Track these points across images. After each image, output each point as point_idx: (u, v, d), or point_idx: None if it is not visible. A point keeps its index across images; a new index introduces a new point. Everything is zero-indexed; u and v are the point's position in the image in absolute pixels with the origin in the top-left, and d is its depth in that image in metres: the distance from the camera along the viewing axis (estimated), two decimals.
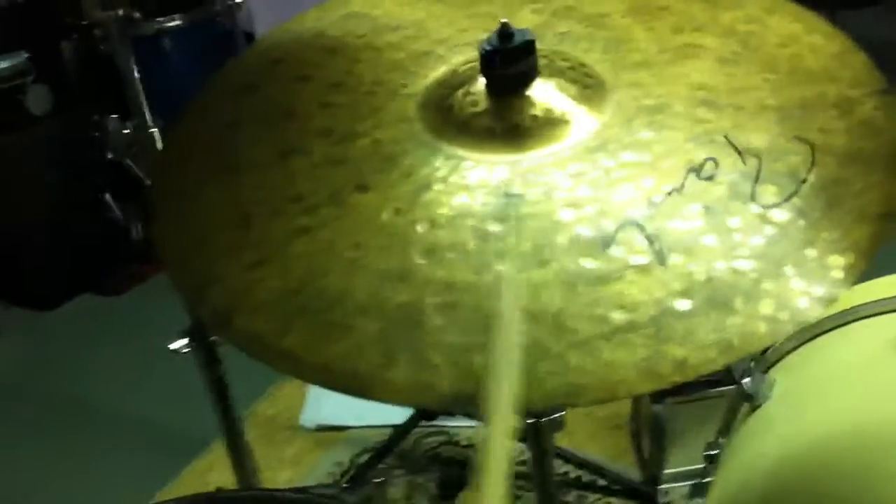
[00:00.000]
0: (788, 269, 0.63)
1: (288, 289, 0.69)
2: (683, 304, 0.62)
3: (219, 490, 0.84)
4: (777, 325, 0.61)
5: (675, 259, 0.64)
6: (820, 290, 0.62)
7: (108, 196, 0.96)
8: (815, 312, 0.62)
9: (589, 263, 0.65)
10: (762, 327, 0.61)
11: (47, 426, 1.92)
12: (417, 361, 0.62)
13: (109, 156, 1.06)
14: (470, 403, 0.61)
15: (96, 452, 1.81)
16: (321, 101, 0.84)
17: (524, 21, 0.84)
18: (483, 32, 0.83)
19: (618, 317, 0.62)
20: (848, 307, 0.89)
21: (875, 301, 0.89)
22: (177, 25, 2.02)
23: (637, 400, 1.50)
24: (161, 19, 2.00)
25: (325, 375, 0.64)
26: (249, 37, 2.23)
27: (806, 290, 0.62)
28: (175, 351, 1.00)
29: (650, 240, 0.65)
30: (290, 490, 0.85)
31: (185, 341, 1.02)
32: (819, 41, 0.83)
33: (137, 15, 1.04)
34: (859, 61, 0.80)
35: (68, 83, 2.28)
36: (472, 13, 0.90)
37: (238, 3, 2.05)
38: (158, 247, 0.76)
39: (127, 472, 1.74)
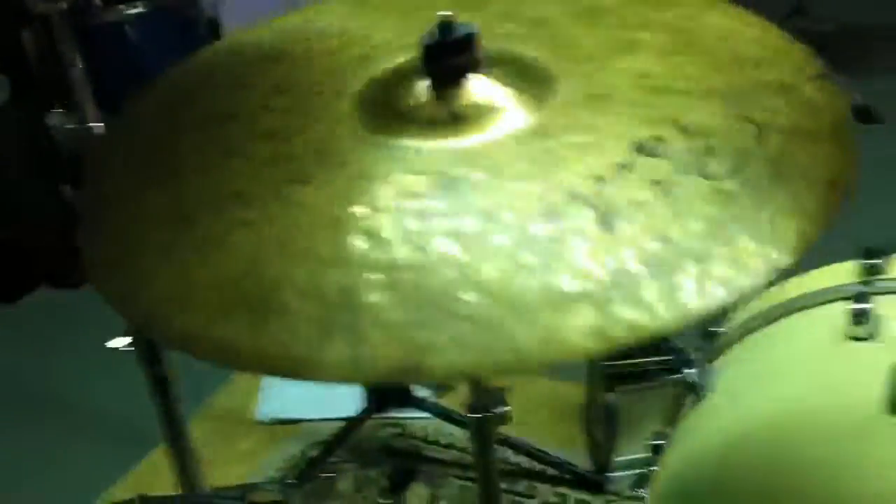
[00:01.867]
0: (741, 233, 0.62)
1: (225, 279, 0.66)
2: (635, 269, 0.60)
3: (140, 497, 0.78)
4: (731, 288, 0.59)
5: (624, 228, 0.62)
6: (773, 252, 0.61)
7: (66, 188, 0.93)
8: (770, 275, 0.60)
9: (538, 233, 0.62)
10: (717, 289, 0.59)
11: (1, 420, 1.86)
12: (355, 339, 0.59)
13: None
14: (409, 376, 0.58)
15: (53, 446, 1.77)
16: (262, 105, 0.82)
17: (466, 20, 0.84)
18: (418, 35, 0.82)
19: (569, 284, 0.60)
20: (789, 298, 0.88)
21: (815, 292, 0.89)
22: (139, 12, 1.99)
23: (590, 389, 1.50)
24: (122, 6, 1.98)
25: (261, 361, 0.61)
26: (214, 24, 2.21)
27: (759, 252, 0.61)
28: (114, 349, 0.96)
29: (597, 211, 0.63)
30: (227, 490, 0.80)
31: (126, 339, 0.97)
32: (756, 34, 0.83)
33: (98, 2, 1.01)
34: (797, 51, 0.81)
35: (28, 73, 2.23)
36: (412, 20, 0.89)
37: None
38: (84, 253, 0.73)
39: (83, 465, 1.70)
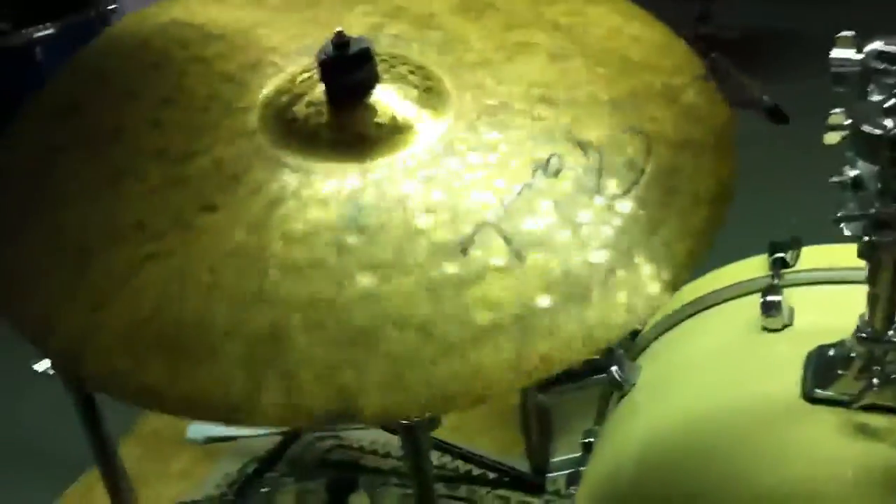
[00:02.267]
0: (638, 258, 0.66)
1: (139, 320, 0.66)
2: (544, 301, 0.64)
3: None
4: (632, 313, 0.64)
5: (533, 256, 0.66)
6: (667, 274, 0.65)
7: None
8: (666, 297, 0.65)
9: (451, 268, 0.65)
10: (620, 316, 0.63)
11: None
12: (286, 382, 0.61)
13: None
14: (342, 419, 0.60)
15: None
16: (151, 120, 0.80)
17: (355, 24, 0.84)
18: (315, 39, 0.82)
19: (483, 318, 0.63)
20: (707, 292, 0.93)
21: (727, 287, 0.93)
22: (49, 34, 1.90)
23: (524, 391, 1.53)
24: (31, 29, 1.88)
25: (191, 407, 0.62)
26: None
27: (655, 276, 0.65)
28: (42, 373, 0.93)
29: (507, 240, 0.66)
30: None
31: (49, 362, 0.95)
32: (639, 31, 0.86)
33: (5, 26, 0.95)
34: (679, 49, 0.85)
35: None
36: (300, 18, 0.89)
37: (112, 10, 1.95)
38: None
39: (7, 493, 1.64)
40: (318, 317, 0.63)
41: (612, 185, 0.71)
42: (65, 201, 0.75)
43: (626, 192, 0.70)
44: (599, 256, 0.66)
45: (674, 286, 0.65)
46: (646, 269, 0.66)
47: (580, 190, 0.70)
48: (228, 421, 0.61)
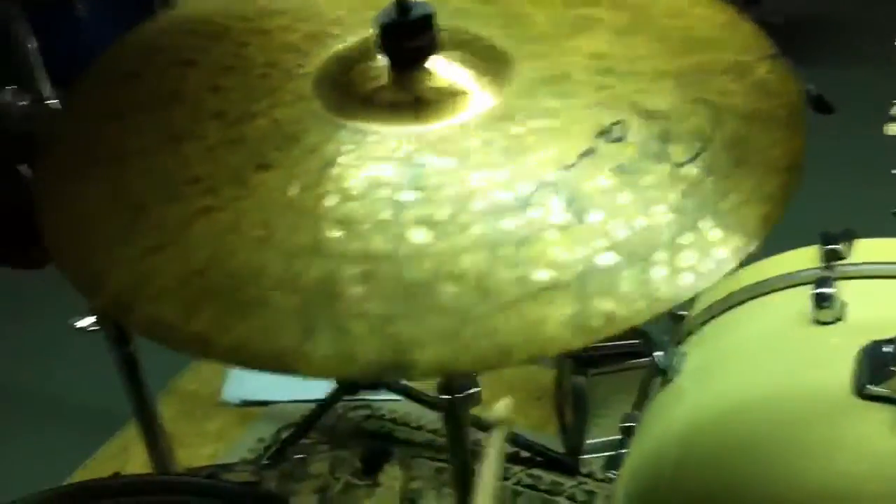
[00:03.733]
0: (705, 222, 0.64)
1: (191, 271, 0.65)
2: (606, 259, 0.61)
3: (115, 475, 0.78)
4: (699, 276, 0.61)
5: (593, 217, 0.64)
6: (738, 240, 0.63)
7: (23, 167, 0.90)
8: (734, 262, 0.62)
9: (508, 226, 0.63)
10: (686, 278, 0.61)
11: None
12: (338, 333, 0.59)
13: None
14: (393, 372, 0.58)
15: (11, 432, 1.73)
16: (211, 85, 0.80)
17: None
18: (376, 11, 0.81)
19: (542, 276, 0.61)
20: (757, 281, 0.91)
21: (783, 275, 0.91)
22: None
23: (560, 372, 1.51)
24: None
25: (240, 354, 0.60)
26: (165, 3, 2.14)
27: (724, 240, 0.63)
28: (81, 329, 0.93)
29: (567, 200, 0.64)
30: (200, 470, 0.79)
31: (92, 318, 0.95)
32: (706, 12, 0.85)
33: None
34: (747, 29, 0.82)
35: None
36: None
37: None
38: (46, 239, 0.70)
39: (44, 450, 1.67)
40: (372, 270, 0.62)
41: (679, 152, 0.68)
42: (123, 160, 0.75)
43: (692, 159, 0.68)
44: (664, 219, 0.64)
45: (745, 251, 0.62)
46: (714, 232, 0.63)
47: (644, 156, 0.68)
48: (278, 369, 0.59)
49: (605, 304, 0.59)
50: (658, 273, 0.61)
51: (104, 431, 1.68)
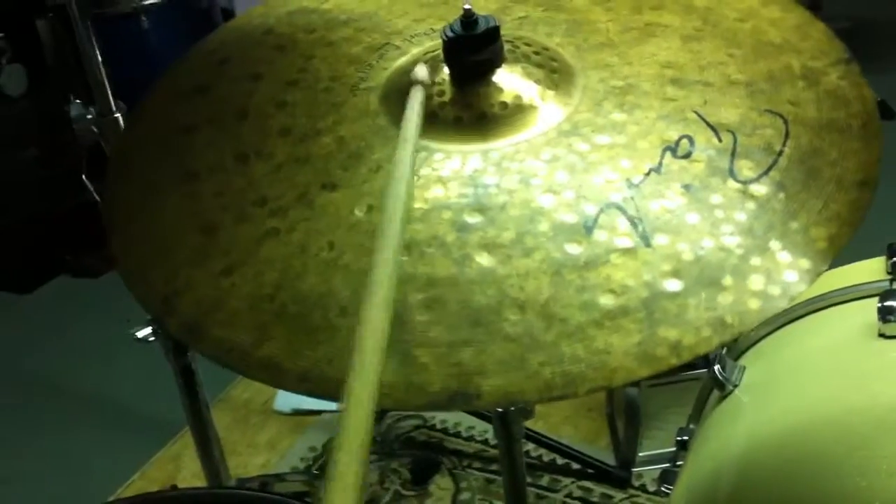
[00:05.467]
0: (774, 243, 0.63)
1: (261, 294, 0.66)
2: (673, 285, 0.61)
3: (173, 487, 0.80)
4: (768, 300, 0.60)
5: (660, 240, 0.63)
6: (806, 263, 0.62)
7: (84, 177, 0.93)
8: (804, 286, 0.61)
9: (573, 249, 0.63)
10: (754, 303, 0.60)
11: (23, 410, 1.88)
12: (405, 361, 0.60)
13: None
14: (459, 402, 0.59)
15: (71, 436, 1.79)
16: (276, 100, 0.81)
17: (481, 6, 0.82)
18: (439, 21, 0.81)
19: (608, 301, 0.60)
20: (819, 293, 0.88)
21: (846, 287, 0.88)
22: (155, 2, 1.99)
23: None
24: None
25: (307, 383, 0.61)
26: (228, 14, 2.19)
27: (793, 263, 0.62)
28: (141, 339, 0.96)
29: (633, 221, 0.64)
30: (252, 480, 0.81)
31: (150, 329, 0.97)
32: (777, 14, 0.82)
33: None
34: (819, 31, 0.80)
35: (44, 63, 2.21)
36: (425, 2, 0.88)
37: None
38: (118, 257, 0.72)
39: (101, 455, 1.72)
40: (437, 295, 0.62)
41: (747, 168, 0.67)
42: (192, 178, 0.76)
43: (762, 176, 0.67)
44: (732, 241, 0.63)
45: (814, 275, 0.61)
46: (783, 255, 0.62)
47: (712, 172, 0.67)
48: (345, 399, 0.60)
49: (671, 332, 0.59)
50: (725, 299, 0.60)
51: (159, 439, 1.71)
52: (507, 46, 0.76)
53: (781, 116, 0.71)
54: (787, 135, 0.70)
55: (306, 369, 0.61)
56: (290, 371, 0.62)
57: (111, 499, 1.55)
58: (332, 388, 0.60)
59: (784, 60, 0.77)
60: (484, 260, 0.63)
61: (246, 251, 0.69)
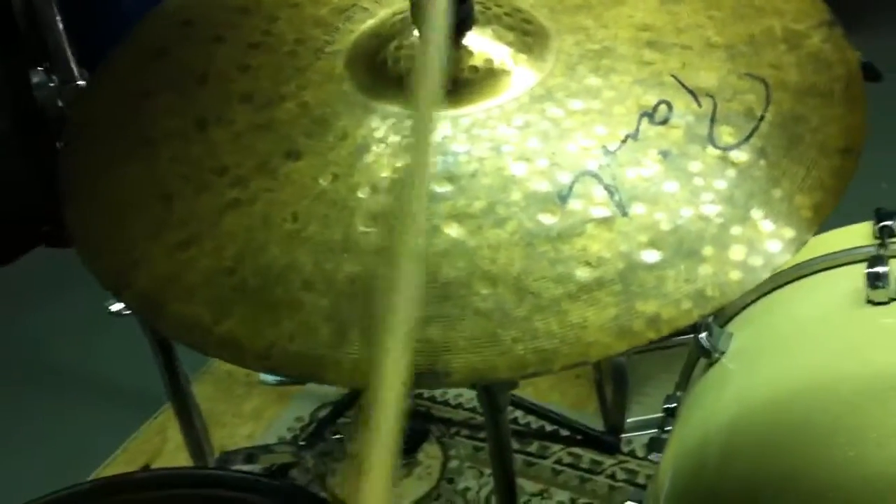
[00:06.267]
0: (755, 212, 0.60)
1: (221, 268, 0.63)
2: (651, 256, 0.58)
3: (145, 468, 0.78)
4: (750, 271, 0.58)
5: (637, 209, 0.61)
6: (790, 232, 0.60)
7: (58, 145, 0.89)
8: (787, 255, 0.59)
9: (547, 219, 0.60)
10: (735, 274, 0.58)
11: (1, 385, 1.83)
12: (371, 337, 0.57)
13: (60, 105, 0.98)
14: (430, 379, 0.56)
15: (53, 411, 1.76)
16: (239, 64, 0.77)
17: None
18: None
19: (583, 274, 0.58)
20: (805, 259, 0.87)
21: (833, 253, 0.87)
22: None
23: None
24: None
25: (269, 360, 0.59)
26: None
27: (776, 233, 0.59)
28: (116, 313, 0.93)
29: (609, 190, 0.61)
30: (238, 452, 0.78)
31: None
32: None
33: None
34: None
35: (15, 30, 2.15)
36: None
37: None
38: (71, 228, 0.69)
39: (84, 429, 1.69)
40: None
41: (727, 134, 0.65)
42: (151, 145, 0.73)
43: (742, 142, 0.64)
44: (712, 210, 0.60)
45: (798, 244, 0.59)
46: (765, 224, 0.60)
47: (691, 139, 0.65)
48: (308, 377, 0.57)
49: (649, 306, 0.56)
50: (705, 270, 0.58)
51: (143, 412, 1.69)
52: (477, 7, 0.73)
53: (762, 80, 0.69)
54: (768, 99, 0.67)
55: (268, 346, 0.59)
56: (251, 348, 0.59)
57: (93, 475, 1.52)
58: (294, 366, 0.58)
59: (765, 23, 0.74)
60: (453, 231, 0.61)
61: (205, 222, 0.66)
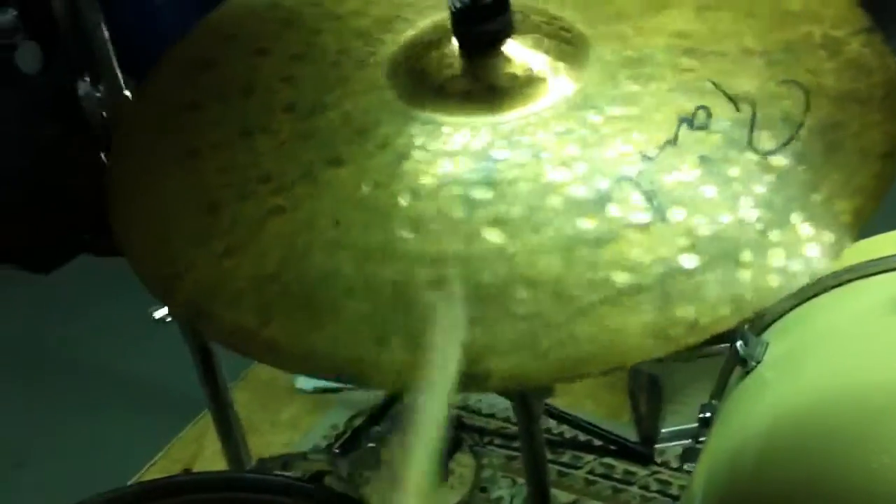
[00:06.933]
0: (795, 217, 0.60)
1: (265, 274, 0.64)
2: (689, 261, 0.59)
3: (185, 471, 0.79)
4: (789, 277, 0.58)
5: (675, 214, 0.61)
6: (830, 237, 0.59)
7: (102, 154, 0.91)
8: (827, 261, 0.59)
9: (586, 225, 0.61)
10: (774, 280, 0.58)
11: (44, 389, 1.87)
12: (412, 341, 0.58)
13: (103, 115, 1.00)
14: (468, 384, 0.57)
15: (93, 418, 1.78)
16: (282, 75, 0.79)
17: None
18: None
19: (621, 279, 0.58)
20: (844, 267, 0.86)
21: (872, 260, 0.86)
22: None
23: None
24: None
25: (312, 364, 0.60)
26: None
27: (815, 237, 0.59)
28: (160, 319, 0.95)
29: (648, 196, 0.62)
30: (274, 459, 0.79)
31: (167, 309, 0.96)
32: None
33: None
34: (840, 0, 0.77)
35: (59, 40, 2.20)
36: None
37: None
38: (118, 236, 0.71)
39: (123, 436, 1.71)
40: (445, 274, 0.60)
41: (766, 140, 0.65)
42: (197, 154, 0.74)
43: (781, 147, 0.64)
44: (751, 215, 0.60)
45: (838, 249, 0.59)
46: (804, 229, 0.60)
47: (730, 144, 0.65)
48: (351, 380, 0.58)
49: (687, 311, 0.57)
50: (744, 275, 0.58)
51: (182, 418, 1.71)
52: (517, 16, 0.73)
53: (801, 86, 0.68)
54: (807, 105, 0.67)
55: (311, 350, 0.60)
56: (295, 352, 0.60)
57: (133, 480, 1.54)
58: (336, 369, 0.59)
59: (803, 29, 0.74)
60: (493, 236, 0.61)
61: (250, 230, 0.67)
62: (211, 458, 1.56)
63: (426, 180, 0.66)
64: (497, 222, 0.62)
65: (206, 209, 0.70)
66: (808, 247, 0.59)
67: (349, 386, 1.67)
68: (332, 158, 0.70)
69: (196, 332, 0.99)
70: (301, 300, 0.62)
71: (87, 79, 1.01)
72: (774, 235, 0.60)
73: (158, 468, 1.64)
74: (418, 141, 0.69)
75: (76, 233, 2.28)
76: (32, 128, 2.21)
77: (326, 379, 0.59)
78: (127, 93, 1.02)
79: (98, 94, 1.01)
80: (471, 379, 0.56)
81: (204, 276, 0.66)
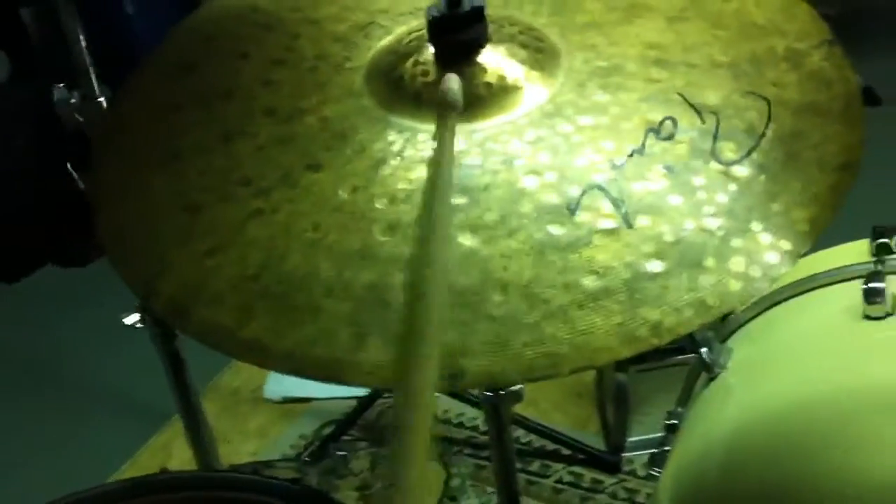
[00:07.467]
0: (755, 225, 0.63)
1: (245, 275, 0.66)
2: (655, 266, 0.61)
3: (162, 471, 0.80)
4: (750, 282, 0.61)
5: (642, 221, 0.64)
6: (787, 244, 0.62)
7: (68, 164, 0.91)
8: (785, 267, 0.62)
9: (556, 230, 0.63)
10: (735, 285, 0.61)
11: (12, 399, 1.86)
12: (388, 342, 0.60)
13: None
14: (445, 381, 0.59)
15: (60, 425, 1.78)
16: (262, 79, 0.81)
17: None
18: (424, 0, 0.81)
19: (590, 283, 0.61)
20: (805, 276, 0.89)
21: (832, 269, 0.89)
22: None
23: (601, 368, 1.50)
24: None
25: (292, 362, 0.62)
26: None
27: (774, 245, 0.62)
28: (130, 326, 0.96)
29: (616, 203, 0.64)
30: (243, 467, 0.81)
31: (137, 316, 0.97)
32: None
33: None
34: (803, 12, 0.80)
35: (28, 49, 2.18)
36: None
37: None
38: (104, 238, 0.72)
39: (91, 444, 1.71)
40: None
41: (729, 150, 0.68)
42: (178, 158, 0.76)
43: (743, 157, 0.67)
44: (714, 223, 0.63)
45: (795, 256, 0.62)
46: (764, 237, 0.63)
47: (695, 154, 0.68)
48: (330, 378, 0.60)
49: (653, 313, 0.59)
50: (707, 280, 0.61)
51: (151, 426, 1.70)
52: (491, 26, 0.76)
53: (764, 98, 0.71)
54: (769, 117, 0.70)
55: (291, 349, 0.62)
56: (275, 351, 0.62)
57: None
58: (315, 369, 0.61)
59: (768, 42, 0.77)
60: (467, 241, 0.64)
61: (230, 231, 0.69)
62: (179, 467, 1.56)
63: (403, 185, 0.68)
64: (471, 227, 0.64)
65: (188, 211, 0.72)
66: (767, 254, 0.62)
67: (317, 396, 1.69)
68: (310, 163, 0.72)
69: (166, 338, 1.01)
70: (280, 300, 0.64)
71: (62, 85, 1.02)
72: (735, 243, 0.62)
73: (126, 476, 1.62)
74: (395, 147, 0.71)
75: (42, 242, 2.27)
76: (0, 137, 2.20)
77: (307, 378, 0.61)
78: (102, 99, 1.03)
79: (73, 100, 1.02)
80: (446, 377, 0.58)
81: (185, 276, 0.68)
